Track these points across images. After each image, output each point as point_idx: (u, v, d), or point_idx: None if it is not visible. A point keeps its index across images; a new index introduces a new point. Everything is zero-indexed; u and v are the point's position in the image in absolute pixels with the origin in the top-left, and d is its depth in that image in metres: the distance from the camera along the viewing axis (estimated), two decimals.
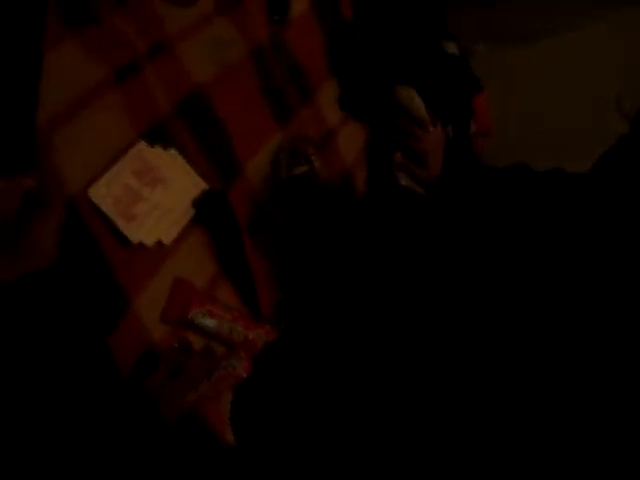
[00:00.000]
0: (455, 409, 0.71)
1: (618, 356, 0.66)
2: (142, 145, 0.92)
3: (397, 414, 0.74)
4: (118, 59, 0.93)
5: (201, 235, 0.97)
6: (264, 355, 0.93)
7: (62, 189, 0.82)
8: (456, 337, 0.78)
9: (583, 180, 0.89)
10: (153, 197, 0.91)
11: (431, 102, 1.29)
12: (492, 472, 0.66)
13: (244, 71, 1.13)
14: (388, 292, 0.93)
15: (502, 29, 1.85)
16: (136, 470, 0.74)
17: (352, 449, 0.77)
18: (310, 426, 0.83)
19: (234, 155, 1.06)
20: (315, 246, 1.12)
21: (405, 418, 0.74)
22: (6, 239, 0.59)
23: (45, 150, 0.81)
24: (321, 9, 1.32)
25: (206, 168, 1.00)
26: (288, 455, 0.85)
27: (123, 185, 0.89)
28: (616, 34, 1.63)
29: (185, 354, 0.89)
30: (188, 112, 1.00)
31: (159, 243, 0.91)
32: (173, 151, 0.96)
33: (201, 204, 0.96)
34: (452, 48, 1.53)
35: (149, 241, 0.89)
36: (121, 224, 0.87)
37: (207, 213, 0.96)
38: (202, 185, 0.98)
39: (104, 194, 0.86)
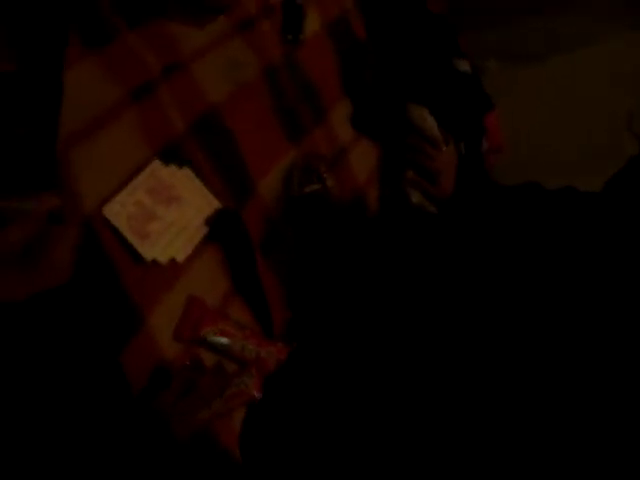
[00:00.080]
0: (459, 417, 0.71)
1: (618, 357, 0.66)
2: (157, 164, 0.93)
3: (408, 437, 0.74)
4: (133, 79, 0.95)
5: (214, 253, 0.98)
6: (276, 375, 0.94)
7: (78, 207, 0.83)
8: (468, 357, 0.78)
9: (594, 199, 0.89)
10: (167, 215, 0.92)
11: (443, 120, 1.30)
12: (492, 472, 0.66)
13: (257, 90, 1.14)
14: (400, 311, 0.93)
15: (514, 47, 1.86)
16: None
17: (362, 470, 0.77)
18: (320, 446, 0.83)
19: (247, 174, 1.07)
20: (327, 264, 1.12)
21: (415, 441, 0.73)
22: (25, 256, 0.60)
23: (62, 168, 0.82)
24: (334, 29, 1.33)
25: (220, 187, 1.01)
26: (297, 473, 0.85)
27: (137, 203, 0.89)
28: (628, 53, 1.63)
29: (197, 372, 0.89)
30: (202, 131, 1.01)
31: (173, 261, 0.91)
32: (187, 170, 0.97)
33: (214, 222, 0.96)
34: (464, 66, 1.54)
35: (163, 259, 0.90)
36: (135, 242, 0.87)
37: (220, 231, 0.97)
38: (216, 204, 0.99)
39: (119, 212, 0.87)
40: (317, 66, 1.27)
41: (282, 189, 1.12)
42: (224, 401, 0.88)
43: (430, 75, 1.39)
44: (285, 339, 1.01)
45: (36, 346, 0.64)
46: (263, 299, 0.99)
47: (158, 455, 0.78)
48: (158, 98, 0.97)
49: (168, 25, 1.02)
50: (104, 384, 0.74)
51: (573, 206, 0.89)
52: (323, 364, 0.96)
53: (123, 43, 0.94)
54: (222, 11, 1.09)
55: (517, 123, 1.71)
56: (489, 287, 0.84)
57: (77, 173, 0.84)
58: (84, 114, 0.86)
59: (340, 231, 1.18)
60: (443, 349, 0.82)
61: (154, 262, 0.89)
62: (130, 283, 0.87)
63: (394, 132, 1.32)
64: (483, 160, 1.53)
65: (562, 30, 1.75)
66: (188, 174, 0.97)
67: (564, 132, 1.72)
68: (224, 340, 0.92)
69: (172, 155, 0.96)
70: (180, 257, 0.92)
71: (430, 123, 1.28)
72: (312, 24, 1.28)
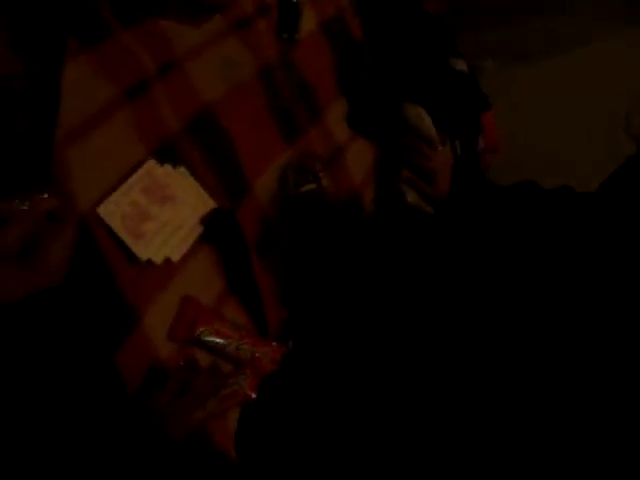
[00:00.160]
0: (458, 417, 0.71)
1: (615, 357, 0.66)
2: (151, 163, 0.93)
3: (406, 437, 0.74)
4: (128, 77, 0.94)
5: (209, 253, 0.97)
6: (271, 377, 0.93)
7: (73, 206, 0.83)
8: (463, 358, 0.78)
9: (590, 199, 0.89)
10: (162, 215, 0.92)
11: (439, 119, 1.29)
12: (492, 472, 0.66)
13: (253, 90, 1.13)
14: (395, 310, 0.93)
15: (512, 46, 1.86)
16: None
17: (359, 470, 0.76)
18: (316, 446, 0.82)
19: (242, 173, 1.06)
20: (322, 264, 1.12)
21: (413, 443, 0.73)
22: (22, 256, 0.60)
23: (57, 167, 0.82)
24: (330, 28, 1.33)
25: (215, 186, 1.01)
26: (293, 473, 0.85)
27: (132, 203, 0.89)
28: (626, 53, 1.63)
29: (192, 372, 0.89)
30: (197, 130, 1.01)
31: (167, 261, 0.91)
32: (182, 169, 0.97)
33: (209, 222, 0.96)
34: (460, 65, 1.54)
35: (157, 259, 0.90)
36: (130, 241, 0.87)
37: (215, 231, 0.97)
38: (211, 203, 0.98)
39: (113, 211, 0.87)
40: (313, 65, 1.27)
41: (277, 189, 1.12)
42: (219, 401, 0.88)
43: (426, 74, 1.39)
44: (280, 339, 1.01)
45: (31, 346, 0.64)
46: (258, 299, 0.99)
47: (153, 455, 0.78)
48: (153, 97, 0.97)
49: (163, 24, 1.02)
50: (99, 384, 0.74)
51: (569, 205, 0.89)
52: (318, 364, 0.96)
53: (117, 41, 0.94)
54: (218, 10, 1.09)
55: (514, 123, 1.71)
56: (485, 287, 0.84)
57: (71, 172, 0.84)
58: (78, 113, 0.86)
59: (336, 231, 1.18)
60: (440, 349, 0.82)
61: (149, 262, 0.89)
62: (125, 283, 0.86)
63: (390, 131, 1.32)
64: (479, 160, 1.53)
65: (561, 30, 1.75)
66: (183, 173, 0.97)
67: (561, 132, 1.72)
68: (219, 340, 0.92)
69: (167, 154, 0.95)
70: (175, 257, 0.92)
71: (427, 123, 1.28)
72: (308, 23, 1.28)
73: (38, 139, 0.67)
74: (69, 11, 0.83)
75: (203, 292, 0.95)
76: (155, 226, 0.91)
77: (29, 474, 0.62)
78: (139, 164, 0.92)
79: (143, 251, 0.88)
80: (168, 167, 0.95)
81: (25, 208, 0.59)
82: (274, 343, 0.98)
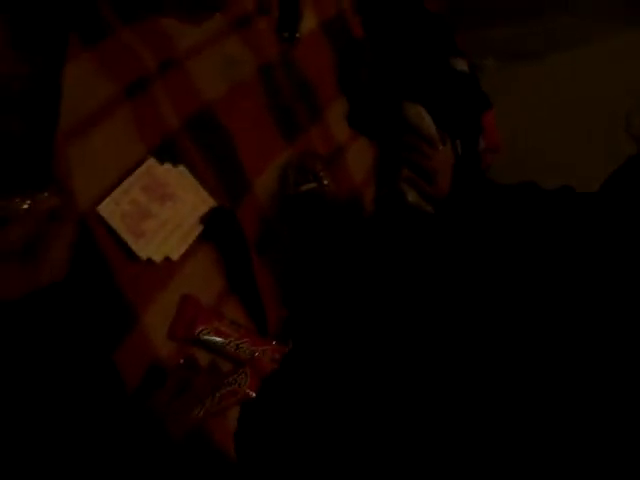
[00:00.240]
0: (457, 417, 0.71)
1: (616, 357, 0.66)
2: (151, 161, 0.93)
3: (406, 437, 0.74)
4: (128, 75, 0.94)
5: (209, 252, 0.97)
6: (272, 376, 0.93)
7: (73, 205, 0.83)
8: (464, 357, 0.78)
9: (591, 199, 0.89)
10: (162, 213, 0.92)
11: (439, 118, 1.29)
12: (492, 472, 0.66)
13: (253, 88, 1.13)
14: (396, 310, 0.93)
15: (512, 46, 1.86)
16: None
17: (358, 470, 0.76)
18: (316, 445, 0.82)
19: (242, 172, 1.06)
20: (322, 263, 1.12)
21: (413, 442, 0.73)
22: (24, 255, 0.60)
23: (57, 166, 0.82)
24: (330, 27, 1.33)
25: (215, 185, 1.01)
26: (292, 473, 0.85)
27: (132, 201, 0.89)
28: (627, 53, 1.63)
29: (191, 371, 0.89)
30: (197, 129, 1.01)
31: (167, 259, 0.91)
32: (182, 168, 0.96)
33: (209, 221, 0.96)
34: (461, 64, 1.54)
35: (157, 257, 0.90)
36: (130, 240, 0.87)
37: (215, 230, 0.97)
38: (210, 202, 0.98)
39: (113, 210, 0.86)
40: (313, 64, 1.26)
41: (278, 188, 1.12)
42: (218, 400, 0.88)
43: (427, 74, 1.39)
44: (280, 338, 1.00)
45: (30, 344, 0.64)
46: (258, 298, 0.99)
47: (152, 454, 0.78)
48: (153, 95, 0.97)
49: (164, 22, 1.01)
50: (98, 383, 0.74)
51: (570, 206, 0.89)
52: (319, 363, 0.96)
53: (117, 39, 0.93)
54: (218, 8, 1.08)
55: (514, 122, 1.71)
56: (486, 287, 0.84)
57: (71, 170, 0.84)
58: (77, 110, 0.86)
59: (336, 230, 1.17)
60: (440, 348, 0.82)
61: (148, 260, 0.89)
62: (124, 281, 0.86)
63: (390, 131, 1.32)
64: (480, 159, 1.53)
65: (561, 29, 1.75)
66: (183, 172, 0.96)
67: (561, 132, 1.72)
68: (218, 339, 0.92)
69: (167, 153, 0.95)
70: (174, 256, 0.92)
71: (427, 122, 1.28)
72: (308, 22, 1.27)
73: (39, 138, 0.67)
74: (70, 9, 0.82)
75: (203, 291, 0.95)
76: (155, 225, 0.90)
77: (27, 472, 0.62)
78: (139, 162, 0.91)
79: (143, 250, 0.88)
80: (168, 165, 0.94)
81: (27, 207, 0.59)
82: (274, 342, 0.98)
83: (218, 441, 0.90)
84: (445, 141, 1.29)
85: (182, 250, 0.93)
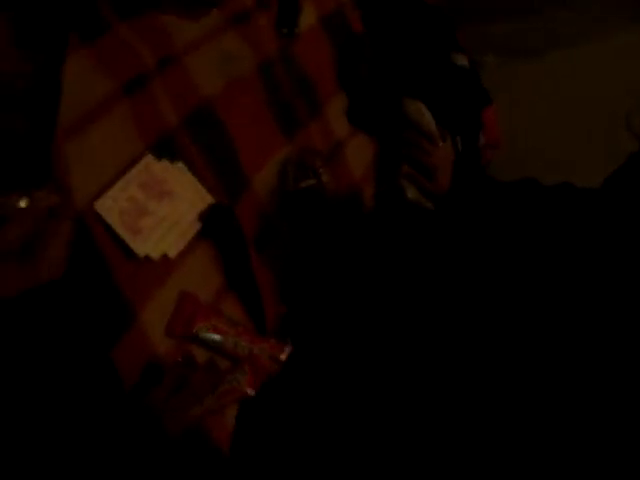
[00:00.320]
0: (459, 417, 0.71)
1: (615, 353, 0.66)
2: (149, 158, 0.92)
3: (405, 437, 0.74)
4: (126, 72, 0.94)
5: (207, 249, 0.97)
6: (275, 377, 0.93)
7: (71, 202, 0.83)
8: (464, 353, 0.78)
9: (591, 195, 0.88)
10: (160, 210, 0.91)
11: (440, 114, 1.29)
12: (492, 472, 0.66)
13: (252, 84, 1.13)
14: (395, 307, 0.93)
15: (513, 42, 1.85)
16: None
17: (357, 467, 0.76)
18: (315, 445, 0.82)
19: (241, 168, 1.06)
20: (321, 259, 1.12)
21: (413, 442, 0.73)
22: (23, 253, 0.60)
23: (55, 163, 0.82)
24: (330, 23, 1.32)
25: (213, 182, 1.00)
26: (291, 470, 0.85)
27: (130, 198, 0.89)
28: (627, 50, 1.62)
29: (189, 368, 0.89)
30: (196, 125, 1.00)
31: (165, 256, 0.91)
32: (180, 164, 0.96)
33: (207, 218, 0.96)
34: (462, 60, 1.53)
35: (155, 254, 0.89)
36: (127, 237, 0.87)
37: (213, 227, 0.96)
38: (209, 199, 0.98)
39: (111, 207, 0.86)
40: (313, 60, 1.26)
41: (277, 184, 1.12)
42: (216, 398, 0.88)
43: (427, 69, 1.39)
44: (278, 335, 1.00)
45: (28, 342, 0.64)
46: (256, 295, 0.99)
47: (150, 451, 0.78)
48: (151, 91, 0.96)
49: (161, 18, 1.01)
50: (96, 380, 0.74)
51: (570, 202, 0.89)
52: (318, 362, 0.96)
53: (115, 35, 0.93)
54: (216, 4, 1.08)
55: (515, 119, 1.71)
56: (486, 283, 0.84)
57: (68, 167, 0.84)
58: (76, 107, 0.85)
59: (335, 226, 1.17)
60: (439, 345, 0.82)
61: (146, 258, 0.88)
62: (122, 279, 0.86)
63: (390, 127, 1.31)
64: (480, 156, 1.52)
65: (562, 26, 1.74)
66: (181, 169, 0.96)
67: (562, 129, 1.71)
68: (217, 336, 0.92)
69: (165, 149, 0.95)
70: (172, 253, 0.91)
71: (427, 118, 1.27)
72: (308, 18, 1.27)
73: (39, 135, 0.67)
74: (70, 6, 0.82)
75: (201, 288, 0.95)
76: (153, 222, 0.90)
77: (24, 468, 0.62)
78: (136, 159, 0.91)
79: (141, 247, 0.88)
80: (166, 162, 0.94)
81: (24, 205, 0.59)
82: (272, 339, 0.97)
83: (216, 439, 0.90)
84: (445, 137, 1.29)
85: (180, 247, 0.93)
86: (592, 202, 0.86)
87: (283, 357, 0.95)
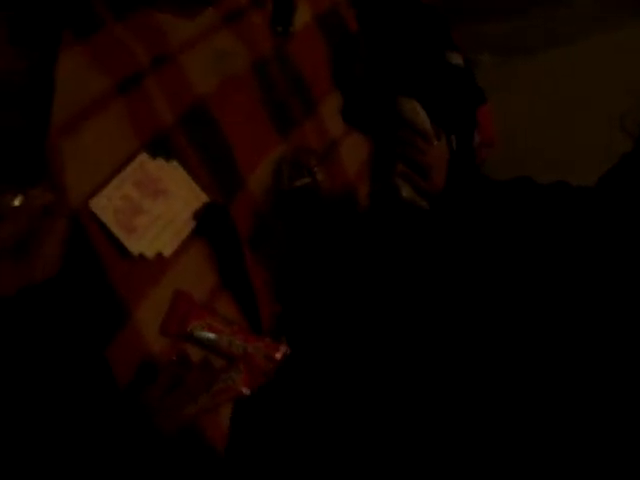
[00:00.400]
0: (458, 416, 0.71)
1: (618, 357, 0.66)
2: (144, 157, 0.92)
3: (402, 436, 0.74)
4: (121, 70, 0.93)
5: (202, 247, 0.97)
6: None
7: (65, 200, 0.82)
8: (459, 352, 0.78)
9: (586, 195, 0.89)
10: (154, 209, 0.91)
11: (434, 113, 1.29)
12: (492, 472, 0.66)
13: (247, 83, 1.13)
14: (390, 305, 0.93)
15: (509, 41, 1.85)
16: None
17: (353, 467, 0.76)
18: (311, 442, 0.82)
19: (236, 167, 1.06)
20: (316, 258, 1.12)
21: (411, 438, 0.73)
22: (17, 252, 0.60)
23: (49, 161, 0.81)
24: (325, 21, 1.32)
25: (208, 180, 1.00)
26: (287, 470, 0.85)
27: (124, 196, 0.88)
28: (625, 48, 1.62)
29: (183, 367, 0.88)
30: (190, 124, 1.00)
31: (159, 255, 0.90)
32: (175, 163, 0.96)
33: (202, 217, 0.96)
34: (456, 59, 1.53)
35: (150, 253, 0.89)
36: (122, 236, 0.86)
37: (208, 226, 0.96)
38: (203, 197, 0.98)
39: (105, 205, 0.86)
40: (307, 58, 1.26)
41: (271, 183, 1.12)
42: (211, 396, 0.88)
43: (422, 68, 1.39)
44: (273, 334, 1.00)
45: (22, 340, 0.64)
46: (251, 294, 0.99)
47: (144, 450, 0.78)
48: (146, 90, 0.96)
49: (157, 16, 1.01)
50: (90, 378, 0.74)
51: (565, 201, 0.89)
52: (313, 361, 0.96)
53: (109, 33, 0.93)
54: (211, 2, 1.08)
55: (510, 117, 1.71)
56: (480, 282, 0.84)
57: (63, 165, 0.83)
58: (69, 105, 0.85)
59: (330, 225, 1.17)
60: (436, 345, 0.82)
61: (141, 256, 0.88)
62: (116, 277, 0.86)
63: (385, 125, 1.31)
64: (474, 154, 1.52)
65: (558, 24, 1.75)
66: (176, 167, 0.96)
67: (557, 128, 1.72)
68: (211, 335, 0.91)
69: (160, 148, 0.95)
70: (167, 251, 0.91)
71: (422, 117, 1.27)
72: (303, 16, 1.27)
73: (33, 132, 0.67)
74: (64, 3, 0.82)
75: (195, 287, 0.95)
76: (147, 220, 0.90)
77: (18, 467, 0.62)
78: (131, 157, 0.91)
79: (135, 245, 0.87)
80: (161, 161, 0.94)
81: (19, 203, 0.59)
82: (267, 338, 0.97)
83: (210, 438, 0.90)
84: (440, 136, 1.29)
85: (174, 246, 0.93)
86: (586, 201, 0.86)
87: (278, 356, 0.95)
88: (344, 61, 1.32)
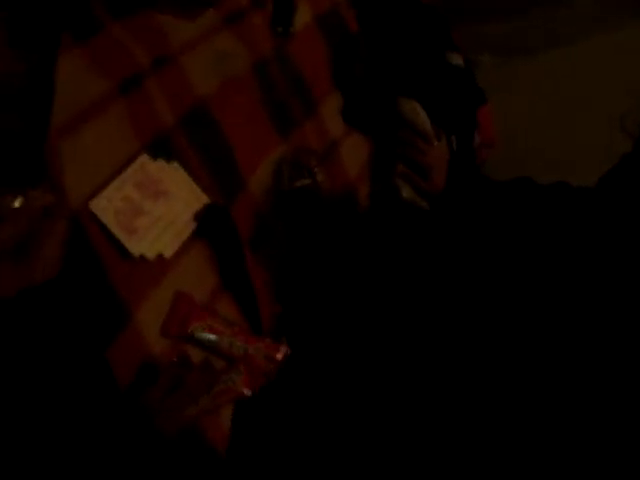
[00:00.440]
0: (458, 416, 0.71)
1: (618, 357, 0.66)
2: (144, 158, 0.92)
3: (402, 437, 0.74)
4: (121, 71, 0.93)
5: (202, 249, 0.97)
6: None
7: (66, 201, 0.83)
8: (459, 352, 0.78)
9: (586, 195, 0.89)
10: (155, 210, 0.91)
11: (435, 113, 1.29)
12: (492, 472, 0.66)
13: (247, 83, 1.13)
14: (390, 306, 0.93)
15: (509, 41, 1.85)
16: None
17: (354, 467, 0.76)
18: (312, 443, 0.82)
19: (236, 168, 1.06)
20: (317, 259, 1.12)
21: (412, 439, 0.73)
22: (17, 253, 0.60)
23: (49, 162, 0.81)
24: (325, 22, 1.32)
25: (208, 181, 1.00)
26: (288, 471, 0.85)
27: (125, 198, 0.88)
28: (626, 49, 1.62)
29: (184, 368, 0.88)
30: (191, 125, 1.00)
31: (160, 256, 0.91)
32: (176, 164, 0.96)
33: (203, 218, 0.96)
34: (457, 59, 1.53)
35: (150, 254, 0.89)
36: (122, 237, 0.86)
37: (209, 227, 0.96)
38: (204, 199, 0.98)
39: (106, 207, 0.86)
40: (308, 59, 1.26)
41: (272, 183, 1.12)
42: (212, 398, 0.88)
43: (422, 69, 1.39)
44: (274, 335, 1.00)
45: (23, 342, 0.64)
46: (252, 295, 0.99)
47: (145, 451, 0.78)
48: (147, 91, 0.96)
49: (157, 17, 1.01)
50: (91, 380, 0.74)
51: (565, 201, 0.89)
52: (314, 362, 0.96)
53: (109, 35, 0.93)
54: (212, 4, 1.08)
55: (510, 118, 1.71)
56: (481, 283, 0.84)
57: (63, 167, 0.83)
58: (69, 106, 0.85)
59: (331, 226, 1.17)
60: (436, 345, 0.82)
61: (141, 257, 0.88)
62: (117, 278, 0.86)
63: (385, 126, 1.31)
64: (475, 155, 1.52)
65: (558, 25, 1.74)
66: (176, 168, 0.96)
67: (558, 128, 1.72)
68: (212, 336, 0.91)
69: (160, 149, 0.95)
70: (168, 252, 0.91)
71: (422, 117, 1.27)
72: (303, 17, 1.27)
73: (33, 135, 0.67)
74: (63, 5, 0.82)
75: (196, 288, 0.95)
76: (148, 221, 0.90)
77: (19, 469, 0.62)
78: (132, 159, 0.91)
79: (136, 247, 0.87)
80: (161, 162, 0.94)
81: (19, 205, 0.59)
82: (268, 339, 0.97)
83: (211, 439, 0.90)
84: (440, 137, 1.29)
85: (175, 247, 0.93)
86: (586, 201, 0.86)
87: (279, 357, 0.95)
88: (344, 61, 1.32)
